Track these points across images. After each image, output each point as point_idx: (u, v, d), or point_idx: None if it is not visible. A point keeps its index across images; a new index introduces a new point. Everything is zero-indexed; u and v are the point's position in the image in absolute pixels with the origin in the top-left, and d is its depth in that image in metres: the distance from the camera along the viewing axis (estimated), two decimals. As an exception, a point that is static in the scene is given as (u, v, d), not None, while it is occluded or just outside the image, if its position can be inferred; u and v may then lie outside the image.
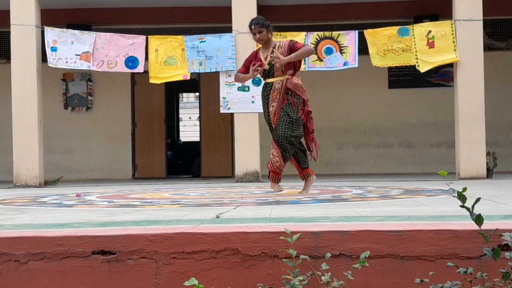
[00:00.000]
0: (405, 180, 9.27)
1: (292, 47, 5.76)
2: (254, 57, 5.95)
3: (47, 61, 9.53)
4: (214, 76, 10.60)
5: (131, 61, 9.64)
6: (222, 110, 9.77)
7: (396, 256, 2.65)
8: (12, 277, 2.74)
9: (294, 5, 12.07)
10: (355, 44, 9.52)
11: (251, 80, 9.58)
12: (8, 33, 9.77)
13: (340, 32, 9.63)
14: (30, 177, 9.43)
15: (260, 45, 6.00)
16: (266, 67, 5.78)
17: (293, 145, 5.82)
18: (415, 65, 9.48)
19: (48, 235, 2.78)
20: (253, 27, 5.83)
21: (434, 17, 11.06)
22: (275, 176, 5.93)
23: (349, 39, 9.55)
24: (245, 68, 5.96)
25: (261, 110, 9.57)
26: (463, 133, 9.28)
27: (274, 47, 5.83)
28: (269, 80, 5.81)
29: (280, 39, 9.57)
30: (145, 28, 11.75)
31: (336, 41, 9.57)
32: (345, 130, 12.58)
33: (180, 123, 20.20)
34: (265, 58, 5.82)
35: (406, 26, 9.57)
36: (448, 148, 11.86)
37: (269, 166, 5.94)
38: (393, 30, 9.49)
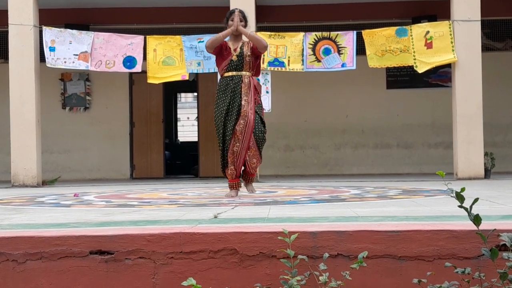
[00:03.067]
0: (403, 180, 9.28)
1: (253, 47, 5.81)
2: (223, 45, 5.84)
3: (45, 61, 9.52)
4: (212, 76, 10.61)
5: (129, 61, 9.63)
6: (220, 110, 9.76)
7: (394, 256, 2.65)
8: (9, 277, 2.73)
9: (292, 5, 12.07)
10: (353, 45, 9.53)
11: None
12: (6, 32, 9.76)
13: (338, 32, 9.63)
14: (28, 177, 9.42)
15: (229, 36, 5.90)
16: (235, 58, 5.76)
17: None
18: (413, 66, 9.49)
19: (46, 235, 2.78)
20: (237, 12, 5.85)
21: (432, 18, 11.06)
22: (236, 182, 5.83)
23: (347, 39, 9.55)
24: (217, 48, 5.81)
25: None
26: (461, 133, 9.29)
27: (243, 43, 5.84)
28: (236, 73, 5.74)
29: (278, 39, 9.61)
30: (143, 28, 11.74)
31: (334, 42, 9.57)
32: (343, 130, 12.59)
33: (178, 123, 20.20)
34: (235, 49, 5.79)
35: (404, 27, 9.58)
36: (446, 148, 11.87)
37: (233, 176, 5.79)
38: (391, 30, 9.50)
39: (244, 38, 5.93)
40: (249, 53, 5.76)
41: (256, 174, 6.03)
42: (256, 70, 5.91)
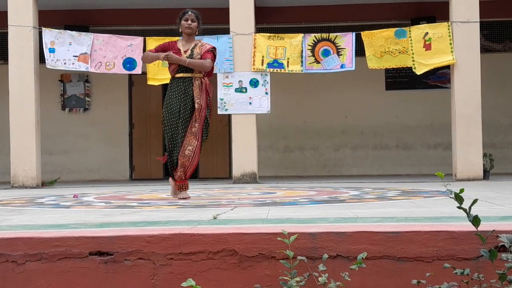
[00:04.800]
0: (402, 181, 9.28)
1: (205, 54, 5.68)
2: (170, 46, 5.76)
3: (44, 62, 9.53)
4: (212, 78, 10.58)
5: (129, 63, 9.64)
6: (219, 111, 9.78)
7: (393, 257, 2.66)
8: (9, 278, 2.73)
9: (291, 6, 12.08)
10: (352, 46, 9.54)
11: (248, 81, 9.63)
12: (6, 34, 9.77)
13: (338, 33, 9.64)
14: (27, 178, 9.42)
15: (181, 37, 5.84)
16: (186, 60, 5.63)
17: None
18: (411, 67, 9.50)
19: (45, 236, 2.78)
20: (189, 13, 5.74)
21: (431, 19, 11.06)
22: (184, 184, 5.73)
23: (346, 40, 9.56)
24: (156, 51, 5.75)
25: (259, 111, 9.71)
26: (460, 134, 9.30)
27: (196, 44, 5.74)
28: (187, 75, 5.64)
29: (278, 40, 9.62)
30: (143, 29, 11.75)
31: (333, 43, 9.58)
32: (342, 131, 12.60)
33: (178, 124, 20.17)
34: (185, 51, 5.69)
35: (403, 28, 9.59)
36: (445, 149, 11.87)
37: (182, 178, 5.68)
38: (390, 32, 9.51)
39: (197, 39, 5.85)
40: (198, 56, 5.64)
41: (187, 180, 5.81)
42: (209, 72, 5.77)
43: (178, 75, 5.70)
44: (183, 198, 5.62)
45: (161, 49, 5.78)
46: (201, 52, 5.68)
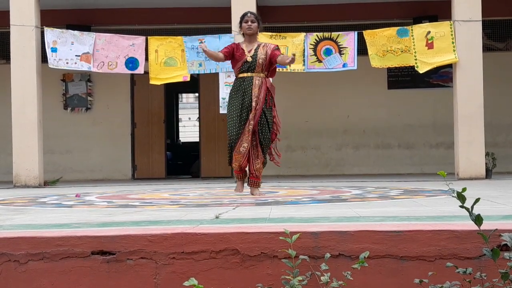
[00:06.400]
0: (404, 180, 9.28)
1: (274, 52, 5.92)
2: (236, 48, 6.02)
3: (47, 62, 9.53)
4: (213, 77, 10.60)
5: (131, 62, 9.64)
6: (221, 111, 9.76)
7: (396, 256, 2.66)
8: (11, 277, 2.74)
9: (293, 5, 12.08)
10: (354, 45, 9.53)
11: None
12: (8, 33, 9.77)
13: (340, 32, 9.63)
14: (29, 178, 9.43)
15: (244, 38, 6.08)
16: (249, 59, 5.89)
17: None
18: (414, 66, 9.49)
19: (47, 236, 2.78)
20: (249, 14, 6.02)
21: (433, 18, 11.06)
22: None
23: (348, 39, 9.55)
24: (228, 52, 5.99)
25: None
26: (462, 133, 9.29)
27: (259, 45, 5.97)
28: (249, 75, 5.87)
29: (279, 39, 9.61)
30: (145, 29, 11.75)
31: (336, 42, 9.57)
32: (344, 130, 12.59)
33: (180, 124, 20.22)
34: (249, 51, 5.92)
35: (405, 27, 9.58)
36: (447, 148, 11.86)
37: (238, 169, 5.97)
38: (392, 30, 9.50)
39: (259, 40, 6.10)
40: (263, 56, 5.87)
41: (261, 178, 6.00)
42: (271, 72, 6.01)
43: (240, 75, 5.93)
44: (238, 190, 5.90)
45: (231, 48, 6.00)
46: (266, 52, 5.90)
